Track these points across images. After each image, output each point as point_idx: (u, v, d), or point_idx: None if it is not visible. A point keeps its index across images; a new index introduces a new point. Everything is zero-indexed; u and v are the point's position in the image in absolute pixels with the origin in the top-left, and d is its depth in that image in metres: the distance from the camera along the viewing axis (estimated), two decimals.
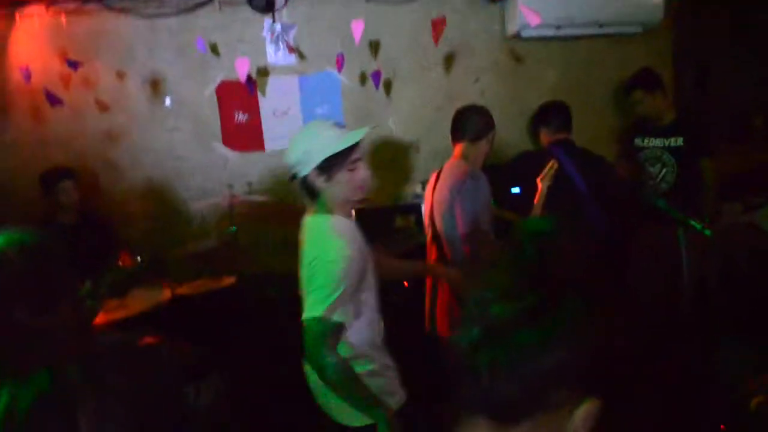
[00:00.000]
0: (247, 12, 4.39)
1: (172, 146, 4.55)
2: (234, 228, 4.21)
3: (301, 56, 4.51)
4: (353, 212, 2.43)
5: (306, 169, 2.19)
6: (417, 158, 4.74)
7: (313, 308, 2.03)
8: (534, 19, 3.93)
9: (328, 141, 2.17)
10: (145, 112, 4.49)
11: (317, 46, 4.52)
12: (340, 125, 2.26)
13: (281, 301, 4.26)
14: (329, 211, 2.26)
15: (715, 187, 4.26)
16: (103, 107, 4.42)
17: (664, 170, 4.27)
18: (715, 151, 4.24)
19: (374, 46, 4.54)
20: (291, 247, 4.57)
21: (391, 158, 4.73)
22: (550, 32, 4.52)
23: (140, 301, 3.72)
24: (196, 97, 4.51)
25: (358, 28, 4.08)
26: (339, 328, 2.08)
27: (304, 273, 2.16)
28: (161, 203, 4.56)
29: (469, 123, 3.24)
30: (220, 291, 4.01)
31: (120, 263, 3.61)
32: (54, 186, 3.94)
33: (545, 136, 4.13)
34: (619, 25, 4.59)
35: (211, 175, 4.57)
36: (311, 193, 2.25)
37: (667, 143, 4.25)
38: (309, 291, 2.09)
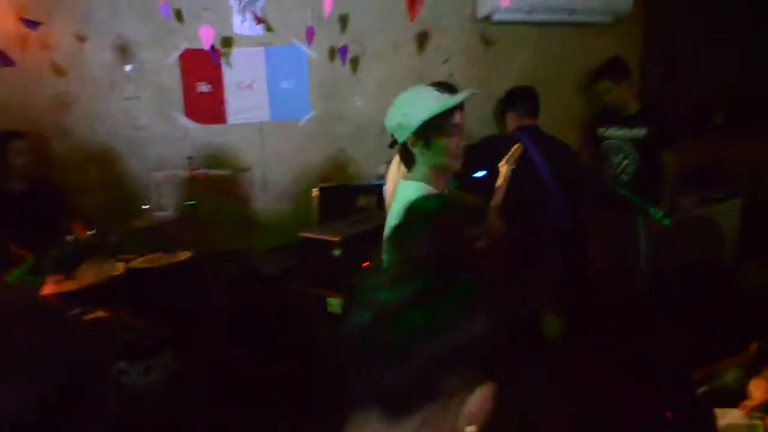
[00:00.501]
0: None
1: (131, 115, 4.40)
2: (192, 201, 4.11)
3: (269, 28, 4.38)
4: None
5: (405, 133, 2.18)
6: (381, 137, 4.68)
7: None
8: (504, 1, 3.90)
9: (427, 104, 2.14)
10: (104, 78, 4.32)
11: (285, 17, 4.40)
12: (440, 90, 2.23)
13: (238, 278, 4.21)
14: (424, 179, 2.22)
15: (675, 179, 4.32)
16: (60, 71, 4.24)
17: (625, 161, 4.31)
18: (676, 143, 4.29)
19: (344, 20, 4.44)
20: (249, 224, 4.56)
21: (355, 137, 4.67)
22: (521, 16, 4.50)
23: (91, 274, 3.60)
24: (158, 65, 4.36)
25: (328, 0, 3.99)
26: None
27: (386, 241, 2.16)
28: (117, 173, 4.42)
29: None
30: (176, 266, 3.91)
31: (71, 236, 3.49)
32: (3, 147, 3.77)
33: (512, 122, 4.12)
34: (590, 13, 4.60)
35: (171, 146, 4.44)
36: (409, 159, 2.25)
37: (630, 134, 4.28)
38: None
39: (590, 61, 4.76)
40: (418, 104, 2.16)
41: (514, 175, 3.21)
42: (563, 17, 4.58)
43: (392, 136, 2.27)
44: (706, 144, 5.15)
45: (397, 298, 0.88)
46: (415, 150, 2.20)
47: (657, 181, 4.24)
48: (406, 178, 2.31)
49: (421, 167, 2.24)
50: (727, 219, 4.89)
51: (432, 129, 2.15)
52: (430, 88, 2.26)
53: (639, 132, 4.25)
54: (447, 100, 2.17)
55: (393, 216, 2.16)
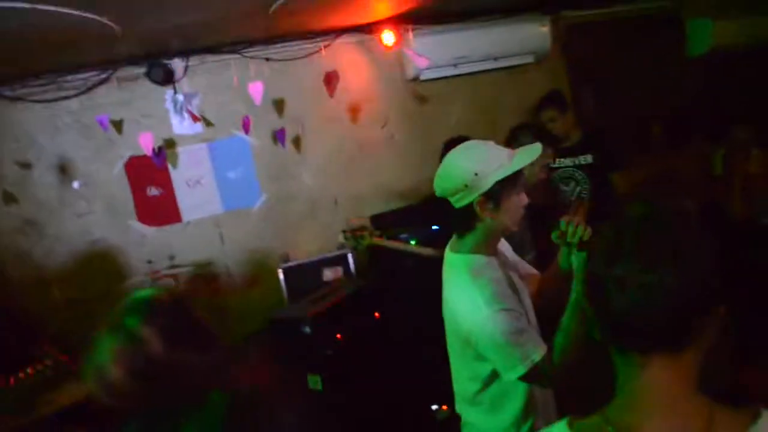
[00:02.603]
0: (147, 86, 4.36)
1: (87, 230, 4.43)
2: None
3: (208, 123, 4.50)
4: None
5: (471, 196, 1.97)
6: (336, 209, 4.77)
7: (510, 370, 1.90)
8: (422, 62, 4.06)
9: (500, 160, 1.96)
10: (55, 198, 4.37)
11: (222, 111, 4.53)
12: (496, 145, 2.04)
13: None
14: (479, 249, 2.07)
15: (623, 198, 4.43)
16: (13, 199, 4.28)
17: (577, 188, 4.43)
18: (622, 165, 4.43)
19: (279, 105, 4.58)
20: (221, 316, 4.55)
21: (309, 212, 4.75)
22: (449, 72, 4.69)
23: (67, 396, 3.56)
24: (105, 177, 4.42)
25: (256, 89, 4.13)
26: (542, 364, 1.88)
27: (456, 323, 2.05)
28: (81, 289, 4.40)
29: None
30: None
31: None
32: None
33: None
34: (512, 56, 4.82)
35: (131, 253, 4.47)
36: (466, 224, 2.06)
37: (577, 161, 4.41)
38: (489, 353, 1.95)
39: (522, 99, 4.96)
40: (489, 160, 1.96)
41: None
42: (489, 65, 4.79)
43: (448, 195, 2.03)
44: (651, 158, 5.33)
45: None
46: (483, 214, 2.00)
47: (611, 203, 4.35)
48: (452, 248, 2.16)
49: (477, 235, 2.06)
50: None
51: (506, 189, 1.97)
52: (489, 142, 2.06)
53: (585, 159, 4.38)
54: (521, 157, 1.99)
55: (456, 297, 2.07)
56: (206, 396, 0.82)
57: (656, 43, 5.41)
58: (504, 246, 2.38)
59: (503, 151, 2.01)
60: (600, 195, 4.35)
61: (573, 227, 1.95)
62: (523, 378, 1.91)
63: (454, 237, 2.20)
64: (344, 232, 4.06)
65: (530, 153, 2.00)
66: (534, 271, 2.45)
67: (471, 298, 1.97)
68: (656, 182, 5.26)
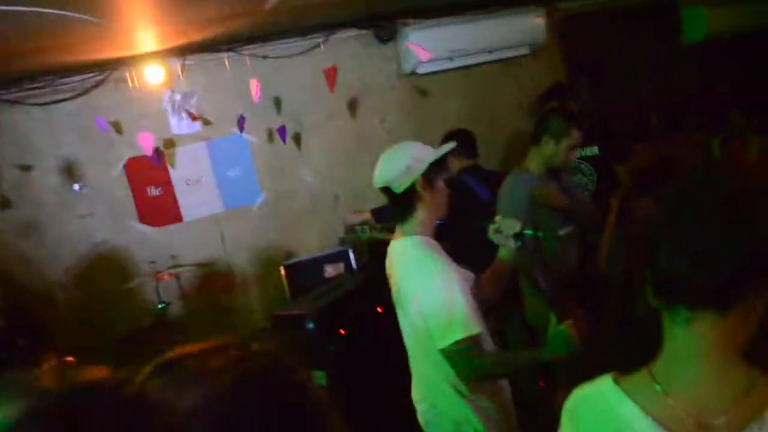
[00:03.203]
0: (144, 86, 4.37)
1: (89, 231, 4.44)
2: (162, 304, 4.12)
3: (206, 122, 4.52)
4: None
5: (413, 177, 2.19)
6: (337, 204, 4.79)
7: (446, 335, 2.05)
8: (424, 55, 4.07)
9: (428, 150, 2.26)
10: (56, 201, 4.38)
11: (220, 110, 4.54)
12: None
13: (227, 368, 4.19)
14: (417, 232, 2.26)
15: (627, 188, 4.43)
16: (10, 204, 4.29)
17: (584, 179, 4.42)
18: (628, 156, 4.43)
19: (277, 102, 4.59)
20: (225, 315, 4.58)
21: (310, 209, 4.77)
22: (445, 65, 4.70)
23: None
24: (105, 179, 4.44)
25: (255, 86, 4.13)
26: (474, 343, 2.08)
27: (408, 300, 2.21)
28: (85, 290, 4.43)
29: None
30: None
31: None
32: None
33: (454, 165, 4.23)
34: (508, 48, 4.81)
35: (133, 254, 4.49)
36: (408, 208, 2.26)
37: (582, 153, 4.40)
38: (431, 318, 2.10)
39: (520, 91, 4.98)
40: (420, 151, 2.25)
41: (465, 217, 3.27)
42: (485, 57, 4.79)
43: (390, 184, 2.24)
44: (651, 145, 5.34)
45: None
46: (421, 195, 2.22)
47: (614, 194, 4.35)
48: (395, 237, 2.35)
49: (418, 217, 2.26)
50: None
51: (436, 173, 2.24)
52: (414, 142, 2.35)
53: (591, 150, 4.38)
54: (443, 147, 2.31)
55: (403, 275, 2.26)
56: None
57: (651, 31, 5.43)
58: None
59: (429, 147, 2.30)
60: (606, 186, 4.36)
61: (507, 221, 2.28)
62: (456, 346, 2.05)
63: (396, 228, 2.38)
64: (345, 228, 4.09)
65: (445, 147, 2.30)
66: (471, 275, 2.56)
67: (425, 269, 2.16)
68: (655, 170, 5.26)
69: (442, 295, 2.08)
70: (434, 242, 2.30)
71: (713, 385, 1.04)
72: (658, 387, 1.06)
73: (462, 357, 2.07)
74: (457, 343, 2.04)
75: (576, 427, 1.17)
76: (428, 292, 2.12)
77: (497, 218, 2.33)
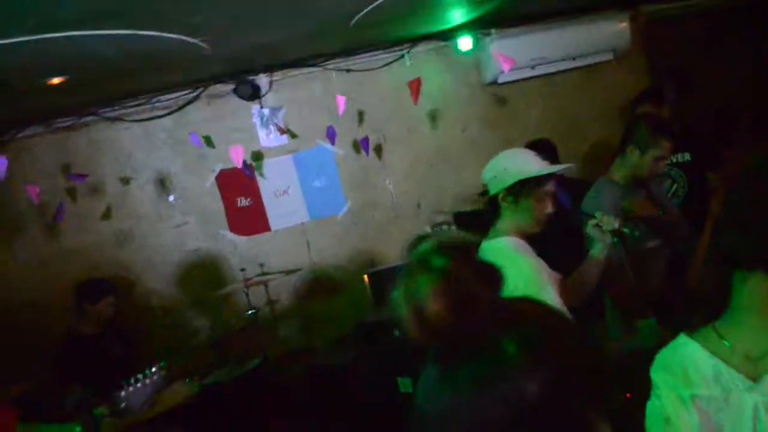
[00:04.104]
0: (235, 102, 4.58)
1: (182, 240, 4.67)
2: (252, 311, 4.28)
3: (293, 135, 4.67)
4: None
5: (498, 187, 2.30)
6: (418, 214, 4.85)
7: None
8: (507, 65, 4.07)
9: (526, 166, 2.28)
10: (152, 211, 4.63)
11: (306, 123, 4.69)
12: (541, 153, 2.39)
13: (308, 376, 4.31)
14: (510, 232, 2.34)
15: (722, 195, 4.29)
16: (111, 214, 4.56)
17: (674, 185, 4.32)
18: (720, 163, 4.30)
19: (360, 115, 4.70)
20: (310, 321, 4.71)
21: (392, 219, 4.85)
22: (527, 74, 4.67)
23: (170, 397, 3.74)
24: (198, 190, 4.66)
25: (341, 101, 4.24)
26: None
27: None
28: (178, 297, 4.65)
29: None
30: (247, 375, 4.04)
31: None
32: (98, 300, 3.95)
33: None
34: (592, 55, 4.73)
35: (224, 262, 4.68)
36: (494, 213, 2.37)
37: (674, 159, 4.30)
38: None
39: (604, 97, 4.91)
40: (519, 162, 2.30)
41: (551, 225, 3.26)
42: (567, 65, 4.74)
43: (484, 186, 2.39)
44: (739, 152, 5.15)
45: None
46: (503, 204, 2.32)
47: (706, 201, 4.23)
48: (487, 239, 2.38)
49: (506, 221, 2.35)
50: None
51: (525, 189, 2.27)
52: (531, 151, 2.39)
53: (683, 156, 4.27)
54: (545, 168, 2.29)
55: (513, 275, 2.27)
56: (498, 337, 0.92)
57: (742, 34, 5.23)
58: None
59: (538, 162, 2.31)
60: (698, 194, 4.24)
61: (607, 217, 2.36)
62: None
63: (490, 228, 2.44)
64: (431, 225, 4.10)
65: (550, 168, 2.29)
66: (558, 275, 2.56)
67: (515, 267, 2.11)
68: (747, 177, 5.07)
69: (532, 290, 2.09)
70: (522, 242, 2.34)
71: (760, 331, 1.36)
72: (717, 334, 1.41)
73: None
74: None
75: (656, 372, 1.48)
76: (519, 288, 2.10)
77: (597, 213, 2.39)
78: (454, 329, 0.92)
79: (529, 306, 1.04)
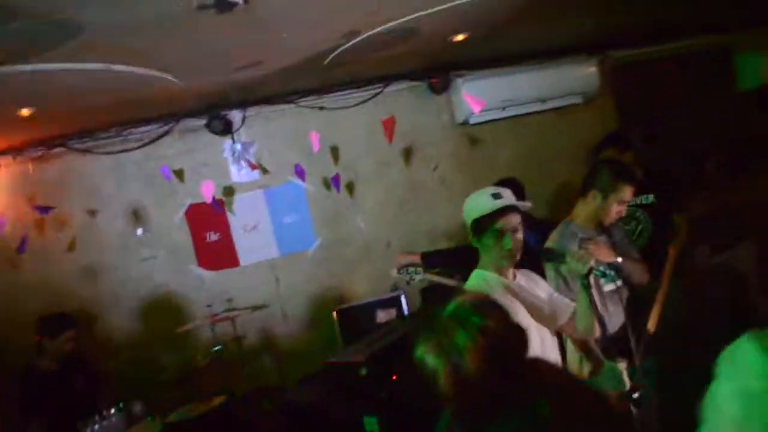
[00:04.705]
0: (207, 136, 4.58)
1: (149, 274, 4.60)
2: (218, 347, 4.21)
3: (264, 171, 4.67)
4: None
5: (467, 230, 2.44)
6: (388, 252, 4.84)
7: None
8: (477, 106, 4.13)
9: (478, 206, 2.38)
10: (119, 245, 4.57)
11: (278, 159, 4.70)
12: (499, 194, 2.40)
13: (276, 413, 4.24)
14: (486, 267, 2.45)
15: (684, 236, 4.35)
16: (76, 246, 4.49)
17: (639, 227, 4.37)
18: (685, 205, 4.37)
19: (334, 152, 4.73)
20: (277, 358, 4.65)
21: (363, 256, 4.85)
22: (497, 114, 4.76)
23: None
24: (167, 224, 4.61)
25: (315, 137, 4.26)
26: None
27: None
28: (143, 332, 4.57)
29: None
30: (212, 412, 3.96)
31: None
32: (58, 333, 3.84)
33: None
34: (561, 98, 4.85)
35: (190, 297, 4.62)
36: (476, 252, 2.48)
37: (638, 201, 4.36)
38: None
39: (572, 139, 5.00)
40: (473, 203, 2.41)
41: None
42: (537, 107, 4.84)
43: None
44: (708, 194, 5.25)
45: None
46: (476, 245, 2.44)
47: (670, 243, 4.28)
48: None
49: (482, 261, 2.48)
50: (744, 262, 4.89)
51: (481, 228, 2.37)
52: (490, 189, 2.43)
53: (647, 198, 4.34)
54: (493, 204, 2.34)
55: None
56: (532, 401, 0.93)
57: (706, 78, 5.38)
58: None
59: (491, 200, 2.36)
60: (662, 235, 4.29)
61: (578, 259, 2.37)
62: None
63: None
64: (398, 266, 4.09)
65: (504, 201, 2.34)
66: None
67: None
68: (712, 219, 5.17)
69: None
70: (491, 276, 2.43)
71: None
72: None
73: None
74: None
75: (720, 362, 1.50)
76: None
77: (568, 255, 2.44)
78: (492, 385, 0.96)
79: (545, 365, 1.05)
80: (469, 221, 2.39)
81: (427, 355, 1.07)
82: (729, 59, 5.47)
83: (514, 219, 2.38)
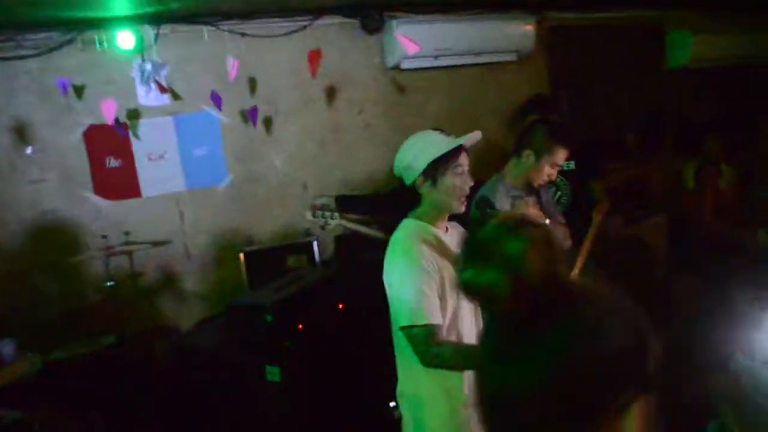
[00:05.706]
0: (113, 51, 4.14)
1: (38, 199, 4.18)
2: (111, 282, 3.90)
3: (175, 96, 4.30)
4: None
5: (414, 174, 2.23)
6: (305, 194, 4.63)
7: (404, 318, 2.12)
8: (412, 48, 3.95)
9: (435, 145, 2.22)
10: (5, 163, 4.12)
11: (192, 85, 4.35)
12: (445, 132, 2.30)
13: (172, 354, 4.02)
14: (423, 218, 2.30)
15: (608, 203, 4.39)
16: None
17: (558, 193, 4.36)
18: (602, 172, 4.39)
19: (252, 83, 4.42)
20: (176, 298, 4.39)
21: (277, 196, 4.61)
22: (430, 62, 4.61)
23: (7, 372, 3.35)
24: (62, 144, 4.19)
25: (233, 64, 3.96)
26: (435, 329, 2.11)
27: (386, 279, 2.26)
28: (29, 261, 4.17)
29: None
30: (100, 352, 3.68)
31: None
32: None
33: None
34: (495, 53, 4.77)
35: (84, 227, 4.25)
36: (414, 200, 2.30)
37: None
38: (396, 298, 2.18)
39: (502, 97, 4.91)
40: (427, 145, 2.23)
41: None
42: (470, 60, 4.73)
43: (400, 180, 2.32)
44: (624, 165, 5.32)
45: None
46: (423, 190, 2.25)
47: (590, 209, 4.30)
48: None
49: (422, 207, 2.30)
50: (654, 236, 5.00)
51: (439, 168, 2.20)
52: (434, 131, 2.30)
53: (567, 165, 4.31)
54: (453, 140, 2.24)
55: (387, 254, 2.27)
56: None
57: (636, 52, 5.41)
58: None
59: (445, 139, 2.26)
60: (581, 201, 4.30)
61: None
62: (410, 328, 2.10)
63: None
64: (313, 208, 3.87)
65: (458, 140, 2.24)
66: None
67: (397, 251, 2.22)
68: (628, 191, 5.25)
69: (404, 280, 2.14)
70: (428, 228, 2.29)
71: None
72: None
73: (414, 342, 2.11)
74: (407, 328, 2.11)
75: None
76: (394, 275, 2.19)
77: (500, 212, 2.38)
78: (552, 284, 1.07)
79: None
80: (422, 163, 2.21)
81: (481, 274, 1.14)
82: (662, 36, 5.50)
83: (467, 159, 2.28)
